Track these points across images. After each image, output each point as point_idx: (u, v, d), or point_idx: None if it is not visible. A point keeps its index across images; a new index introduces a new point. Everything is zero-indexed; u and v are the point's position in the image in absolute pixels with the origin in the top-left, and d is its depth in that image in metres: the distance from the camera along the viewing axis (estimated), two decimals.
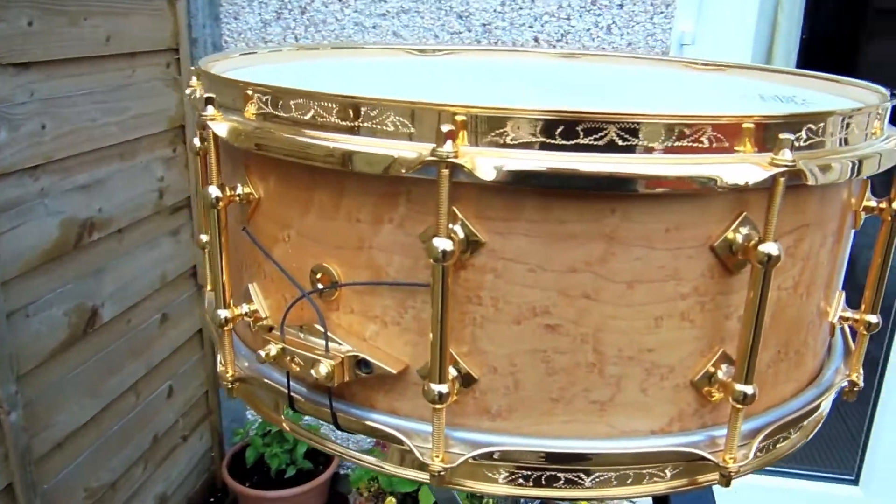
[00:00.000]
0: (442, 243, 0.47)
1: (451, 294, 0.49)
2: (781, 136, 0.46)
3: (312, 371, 0.52)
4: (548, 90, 0.71)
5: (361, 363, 0.54)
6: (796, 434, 0.60)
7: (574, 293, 0.50)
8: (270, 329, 0.58)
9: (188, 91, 0.69)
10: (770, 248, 0.47)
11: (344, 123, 0.49)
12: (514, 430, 0.53)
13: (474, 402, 0.53)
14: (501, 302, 0.50)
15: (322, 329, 0.54)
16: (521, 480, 0.54)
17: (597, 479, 0.53)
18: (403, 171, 0.47)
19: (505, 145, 0.46)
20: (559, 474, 0.53)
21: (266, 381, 0.59)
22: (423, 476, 0.54)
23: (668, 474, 0.54)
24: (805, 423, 0.60)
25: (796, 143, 0.47)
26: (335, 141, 0.49)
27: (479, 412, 0.53)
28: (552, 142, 0.46)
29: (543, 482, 0.53)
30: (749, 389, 0.50)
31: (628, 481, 0.54)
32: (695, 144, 0.46)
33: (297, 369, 0.54)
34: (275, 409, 0.62)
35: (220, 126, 0.54)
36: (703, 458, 0.52)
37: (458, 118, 0.46)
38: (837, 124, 0.51)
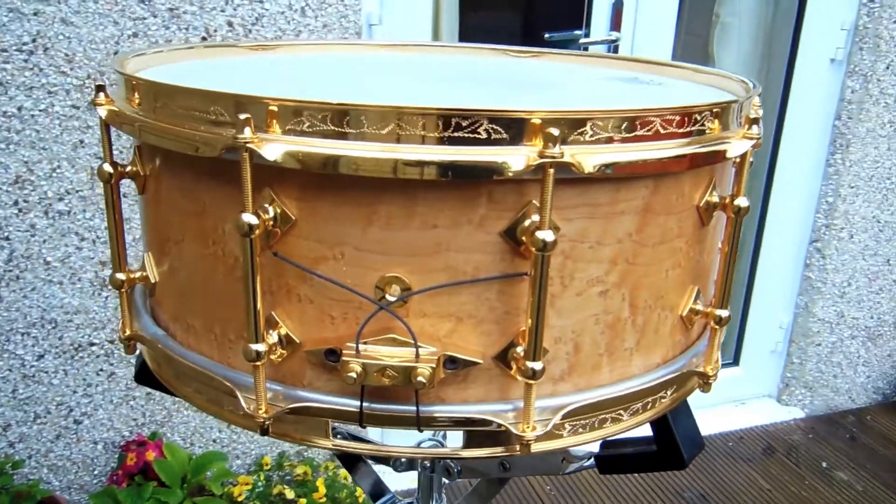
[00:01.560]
0: (546, 235, 0.52)
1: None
2: (751, 114, 0.60)
3: (420, 378, 0.53)
4: (477, 87, 0.77)
5: (447, 361, 0.56)
6: None
7: (619, 260, 0.59)
8: (330, 353, 0.56)
9: (107, 110, 0.60)
10: (743, 201, 0.61)
11: (432, 135, 0.51)
12: (573, 388, 0.61)
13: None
14: (568, 279, 0.57)
15: (411, 340, 0.54)
16: (580, 430, 0.61)
17: (632, 412, 0.64)
18: (510, 174, 0.50)
19: (585, 143, 0.53)
20: (606, 415, 0.62)
21: (316, 406, 0.57)
22: (503, 451, 0.59)
23: (668, 394, 0.67)
24: None
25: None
26: (427, 153, 0.51)
27: (545, 380, 0.59)
28: (624, 136, 0.54)
29: (597, 426, 0.62)
30: (725, 313, 0.65)
31: (648, 407, 0.65)
32: (709, 126, 0.58)
33: (389, 382, 0.54)
34: (322, 433, 0.60)
35: (272, 149, 0.51)
36: (698, 374, 0.66)
37: (535, 122, 0.51)
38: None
